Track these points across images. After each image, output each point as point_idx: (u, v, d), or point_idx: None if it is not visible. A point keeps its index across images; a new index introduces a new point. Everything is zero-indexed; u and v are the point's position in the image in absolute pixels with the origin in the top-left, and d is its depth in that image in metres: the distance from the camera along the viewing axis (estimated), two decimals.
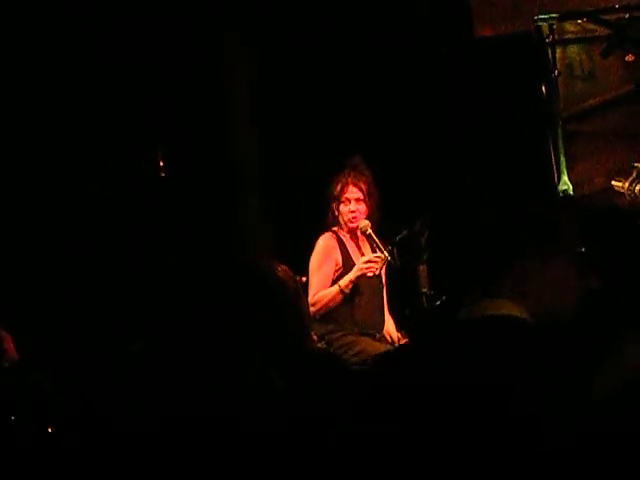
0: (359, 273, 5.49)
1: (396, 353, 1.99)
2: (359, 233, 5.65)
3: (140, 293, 5.47)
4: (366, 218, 5.58)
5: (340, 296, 5.50)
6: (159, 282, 4.60)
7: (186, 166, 6.61)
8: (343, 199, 5.58)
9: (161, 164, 6.39)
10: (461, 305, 2.05)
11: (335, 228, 5.66)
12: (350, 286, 5.51)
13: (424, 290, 5.78)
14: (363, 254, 5.67)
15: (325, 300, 5.51)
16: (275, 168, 6.75)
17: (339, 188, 5.58)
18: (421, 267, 5.81)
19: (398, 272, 5.69)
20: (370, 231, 5.54)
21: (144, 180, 6.49)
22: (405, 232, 5.69)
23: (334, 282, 5.57)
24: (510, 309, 2.00)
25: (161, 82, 6.54)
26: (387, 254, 5.48)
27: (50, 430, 4.10)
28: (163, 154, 6.38)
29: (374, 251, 5.61)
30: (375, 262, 5.48)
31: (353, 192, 5.57)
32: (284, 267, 3.75)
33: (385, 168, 5.88)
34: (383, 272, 5.67)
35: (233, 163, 6.83)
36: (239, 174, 6.86)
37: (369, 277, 5.54)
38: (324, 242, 5.63)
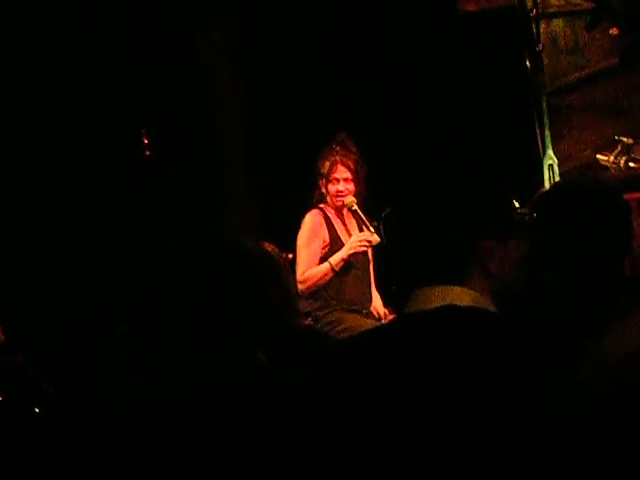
0: (351, 251, 5.50)
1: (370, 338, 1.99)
2: (345, 210, 5.65)
3: (124, 275, 5.45)
4: (354, 196, 5.58)
5: (331, 274, 5.51)
6: (142, 264, 4.59)
7: (170, 149, 6.59)
8: (331, 178, 5.58)
9: (145, 148, 6.37)
10: (412, 291, 2.04)
11: (322, 205, 5.66)
12: (341, 264, 5.52)
13: (397, 269, 5.78)
14: (349, 231, 5.68)
15: (315, 278, 5.52)
16: (260, 148, 6.73)
17: (328, 166, 5.57)
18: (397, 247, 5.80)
19: (384, 248, 5.69)
20: (356, 207, 5.55)
21: (128, 164, 6.47)
22: (390, 209, 5.68)
23: (321, 259, 5.58)
24: (461, 297, 1.98)
25: (144, 65, 6.51)
26: (373, 230, 5.48)
27: (37, 411, 4.10)
28: (147, 137, 6.35)
29: (360, 228, 5.61)
30: (368, 240, 5.48)
31: (342, 171, 5.57)
32: (271, 244, 3.74)
33: (370, 145, 5.87)
34: (370, 250, 5.68)
35: (218, 145, 6.81)
36: (224, 155, 6.84)
37: (356, 253, 5.56)
38: (311, 219, 5.63)
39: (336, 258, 5.53)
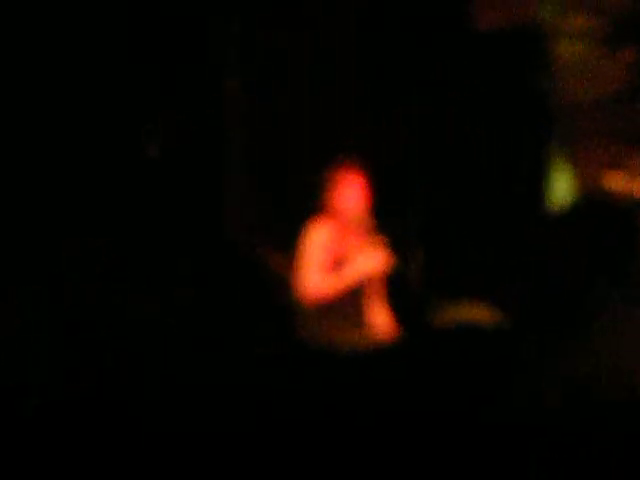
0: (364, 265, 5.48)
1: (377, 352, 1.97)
2: (352, 222, 5.63)
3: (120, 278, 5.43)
4: (360, 209, 5.57)
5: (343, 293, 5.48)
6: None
7: (175, 148, 6.56)
8: (338, 190, 5.57)
9: (148, 147, 6.35)
10: (433, 307, 2.03)
11: (328, 215, 5.64)
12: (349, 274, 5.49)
13: (414, 284, 5.78)
14: (355, 245, 5.66)
15: (332, 292, 5.45)
16: (265, 149, 6.72)
17: (334, 178, 5.56)
18: (412, 261, 5.80)
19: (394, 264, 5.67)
20: (365, 221, 5.54)
21: (131, 156, 6.45)
22: (399, 225, 5.68)
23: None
24: (477, 313, 1.98)
25: (147, 56, 6.49)
26: (381, 245, 5.46)
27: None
28: (150, 136, 6.33)
29: (367, 242, 5.60)
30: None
31: (348, 184, 5.56)
32: (277, 254, 3.71)
33: (379, 159, 5.86)
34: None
35: (224, 145, 6.79)
36: (227, 154, 6.82)
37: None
38: (316, 230, 5.61)
39: (348, 270, 5.49)
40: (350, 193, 5.58)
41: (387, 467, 1.79)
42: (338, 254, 5.58)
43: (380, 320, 5.74)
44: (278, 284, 3.19)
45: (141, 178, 6.36)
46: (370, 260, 5.48)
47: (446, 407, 1.78)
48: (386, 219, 5.62)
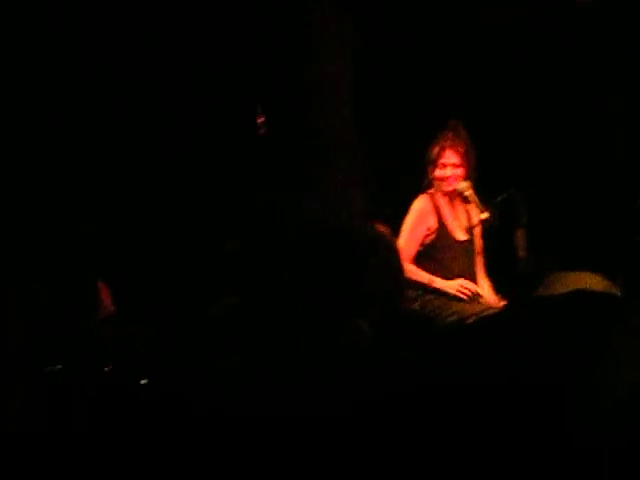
0: (450, 291, 5.46)
1: (484, 322, 1.95)
2: (455, 196, 5.63)
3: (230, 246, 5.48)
4: (464, 180, 5.56)
5: (424, 285, 5.47)
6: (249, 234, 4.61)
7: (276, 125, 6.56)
8: (439, 164, 5.57)
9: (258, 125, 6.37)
10: (543, 276, 2.00)
11: (431, 191, 5.64)
12: (436, 287, 5.46)
13: (521, 254, 5.71)
14: (458, 218, 5.65)
15: (412, 277, 5.46)
16: (369, 131, 6.69)
17: (436, 152, 5.58)
18: (518, 232, 5.73)
19: (496, 235, 5.63)
20: (469, 193, 5.52)
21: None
22: (505, 195, 5.62)
23: (425, 246, 5.53)
24: (591, 282, 1.93)
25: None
26: (487, 215, 5.44)
27: (144, 382, 4.14)
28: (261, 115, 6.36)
29: (470, 216, 5.59)
30: (471, 291, 5.45)
31: (450, 157, 5.57)
32: (383, 226, 3.72)
33: (486, 126, 5.81)
34: (477, 235, 5.65)
35: (328, 125, 6.76)
36: (331, 137, 6.80)
37: (461, 241, 5.53)
38: (419, 205, 5.66)
39: (438, 281, 5.46)
40: (451, 170, 5.56)
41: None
42: (439, 224, 5.58)
43: (486, 290, 5.72)
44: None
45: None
46: (462, 287, 5.47)
47: (547, 378, 1.74)
48: (492, 190, 5.57)
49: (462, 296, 5.47)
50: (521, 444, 1.71)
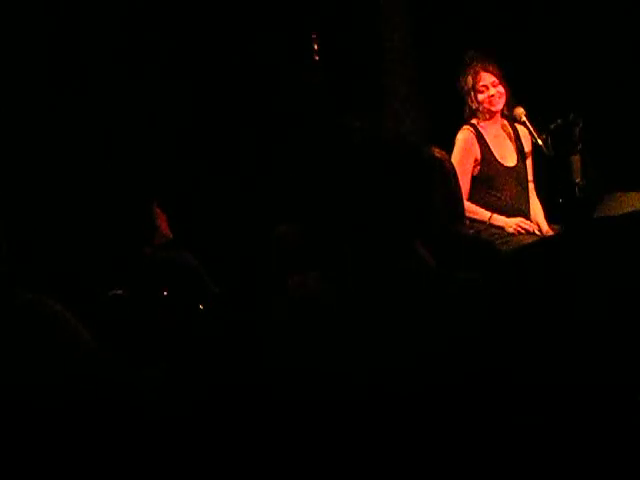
0: (509, 229, 5.42)
1: (541, 246, 1.93)
2: (502, 121, 5.59)
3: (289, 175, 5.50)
4: (505, 100, 5.51)
5: (483, 222, 5.46)
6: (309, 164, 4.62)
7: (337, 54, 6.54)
8: (479, 88, 5.50)
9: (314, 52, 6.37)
10: (599, 198, 1.97)
11: (474, 121, 5.58)
12: (496, 223, 5.45)
13: (577, 180, 5.67)
14: (506, 144, 5.61)
15: (471, 216, 5.44)
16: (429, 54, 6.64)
17: (471, 79, 5.50)
18: (574, 157, 5.69)
19: (551, 162, 5.59)
20: (525, 118, 5.48)
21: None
22: (559, 121, 5.57)
23: (474, 178, 5.50)
24: None
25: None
26: (541, 142, 5.39)
27: (201, 307, 4.20)
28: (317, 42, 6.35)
29: (516, 142, 5.55)
30: (525, 230, 5.42)
31: (486, 78, 5.50)
32: (441, 151, 3.73)
33: (541, 54, 5.76)
34: (529, 162, 5.62)
35: (386, 49, 6.73)
36: (391, 59, 6.76)
37: (510, 167, 5.51)
38: (463, 136, 5.59)
39: (497, 218, 5.43)
40: (493, 88, 5.49)
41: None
42: (483, 154, 5.54)
43: (539, 215, 5.69)
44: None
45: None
46: (518, 226, 5.43)
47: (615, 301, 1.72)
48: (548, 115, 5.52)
49: (516, 232, 5.46)
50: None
